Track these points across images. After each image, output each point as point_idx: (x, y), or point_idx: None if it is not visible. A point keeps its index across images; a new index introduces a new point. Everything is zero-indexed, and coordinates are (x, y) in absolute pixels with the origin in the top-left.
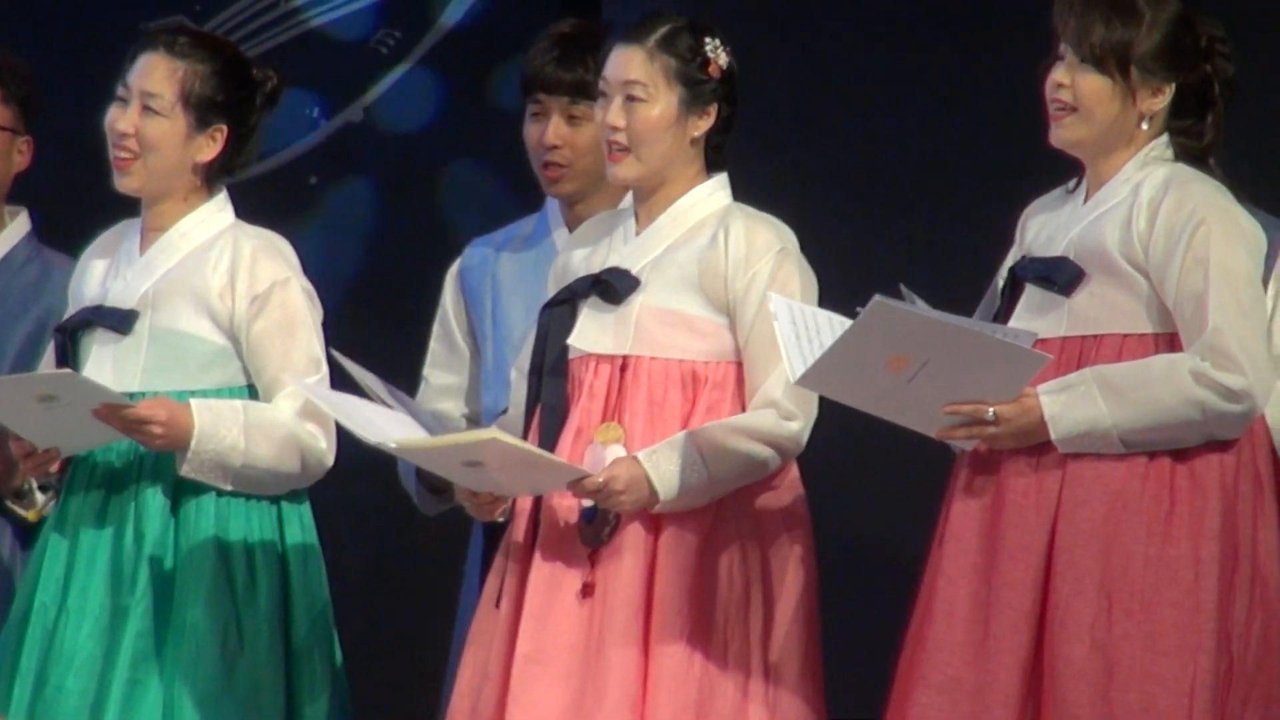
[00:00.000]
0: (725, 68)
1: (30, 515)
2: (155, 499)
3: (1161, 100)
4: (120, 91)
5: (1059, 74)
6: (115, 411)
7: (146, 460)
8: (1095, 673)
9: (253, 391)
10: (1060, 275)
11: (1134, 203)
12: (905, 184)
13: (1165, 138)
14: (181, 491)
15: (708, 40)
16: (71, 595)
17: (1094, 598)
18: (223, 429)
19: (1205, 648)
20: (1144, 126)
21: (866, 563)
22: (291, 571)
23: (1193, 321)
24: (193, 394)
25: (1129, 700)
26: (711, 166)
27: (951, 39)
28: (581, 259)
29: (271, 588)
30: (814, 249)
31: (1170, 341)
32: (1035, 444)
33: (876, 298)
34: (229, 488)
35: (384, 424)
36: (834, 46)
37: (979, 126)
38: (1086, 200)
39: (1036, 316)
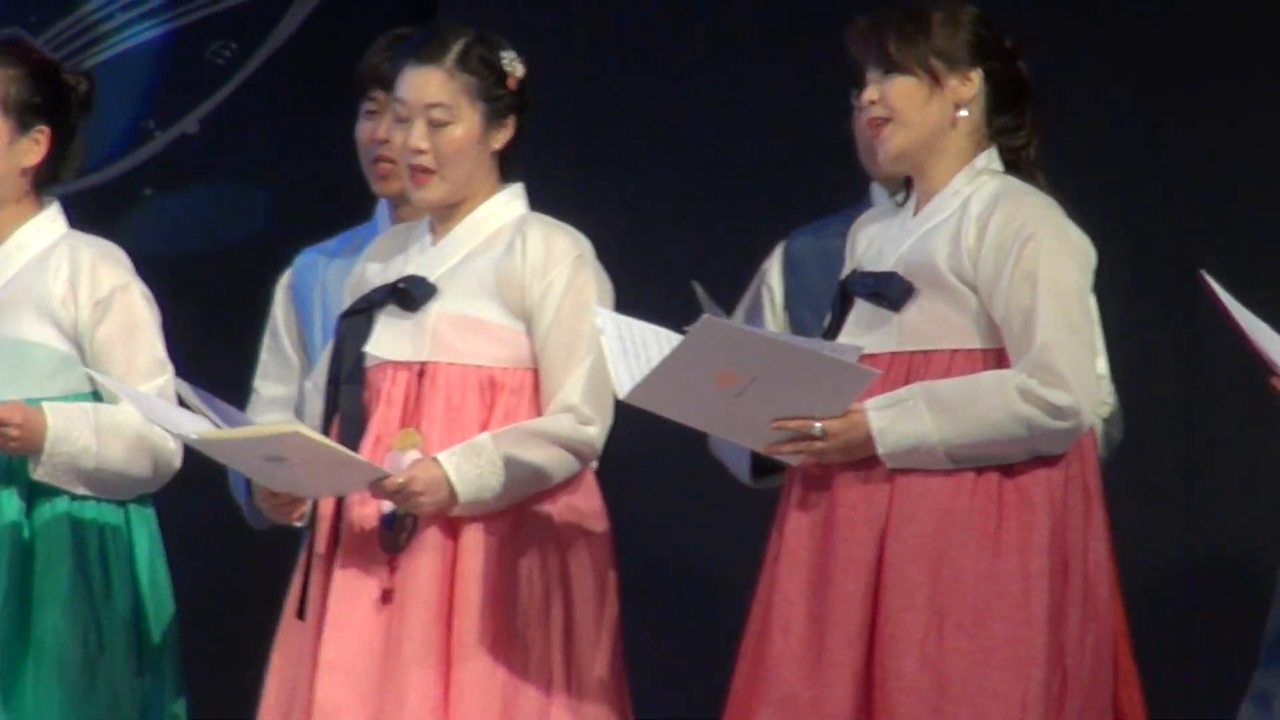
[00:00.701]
0: (521, 79)
1: None
2: (10, 502)
3: (972, 87)
4: None
5: (868, 94)
6: None
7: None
8: (926, 687)
9: (96, 397)
10: (890, 290)
11: (963, 217)
12: (715, 192)
13: (994, 150)
14: (35, 495)
15: (503, 54)
16: None
17: (924, 613)
18: (75, 431)
19: (1037, 661)
20: (962, 113)
21: (669, 566)
22: (140, 575)
23: (1021, 337)
24: (40, 401)
25: (961, 714)
26: (506, 175)
27: (770, 48)
28: (377, 270)
29: (125, 591)
30: (618, 256)
31: (999, 357)
32: (863, 459)
33: (706, 315)
34: (82, 490)
35: (186, 420)
36: (649, 57)
37: (793, 137)
38: (916, 214)
39: (866, 331)
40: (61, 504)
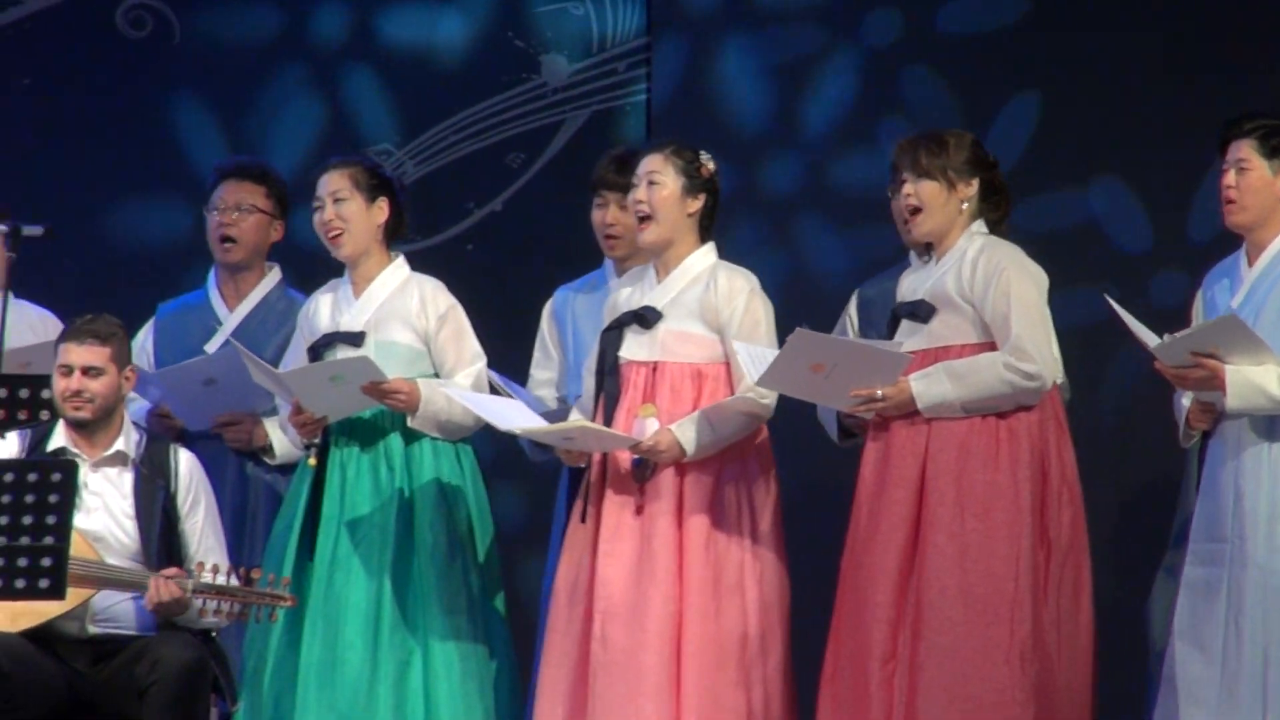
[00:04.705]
0: (713, 170)
1: (311, 462)
2: (397, 441)
3: (972, 189)
4: (315, 203)
5: (906, 187)
6: (377, 386)
7: (388, 417)
8: (955, 552)
9: (435, 377)
10: (920, 311)
11: (963, 261)
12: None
13: (980, 222)
14: (410, 437)
15: (702, 153)
16: (346, 507)
17: (951, 506)
18: (435, 398)
19: (1024, 534)
20: (965, 206)
21: (813, 487)
22: (468, 493)
23: (1002, 332)
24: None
25: (979, 568)
26: (704, 238)
27: None
28: (625, 299)
29: (462, 504)
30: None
31: (991, 346)
32: (909, 412)
33: (799, 330)
34: (436, 435)
35: (511, 414)
36: None
37: None
38: (936, 263)
39: (908, 336)
40: (427, 443)
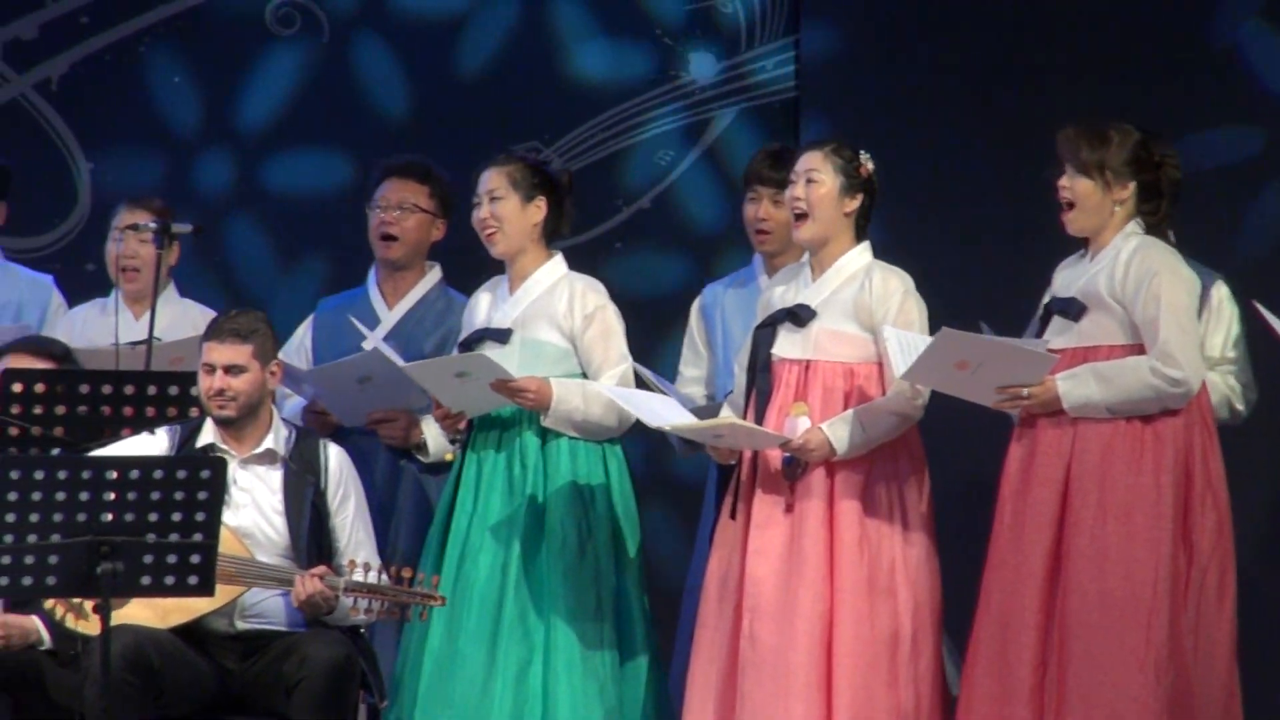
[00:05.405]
0: (872, 170)
1: (448, 457)
2: (532, 440)
3: (1127, 193)
4: (474, 200)
5: (1063, 180)
6: (504, 384)
7: (525, 415)
8: (1094, 555)
9: (583, 377)
10: (1071, 309)
11: (1116, 261)
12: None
13: (1137, 219)
14: (546, 436)
15: (861, 152)
16: (479, 503)
17: (1094, 509)
18: (570, 397)
19: (1164, 540)
20: (1117, 209)
21: (963, 482)
22: (613, 494)
23: (1151, 336)
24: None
25: (1118, 572)
26: (859, 236)
27: None
28: (779, 296)
29: (604, 503)
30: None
31: (1140, 349)
32: (1055, 410)
33: (944, 329)
34: (573, 434)
35: (661, 410)
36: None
37: None
38: (1091, 260)
39: (1059, 334)
40: (564, 441)
